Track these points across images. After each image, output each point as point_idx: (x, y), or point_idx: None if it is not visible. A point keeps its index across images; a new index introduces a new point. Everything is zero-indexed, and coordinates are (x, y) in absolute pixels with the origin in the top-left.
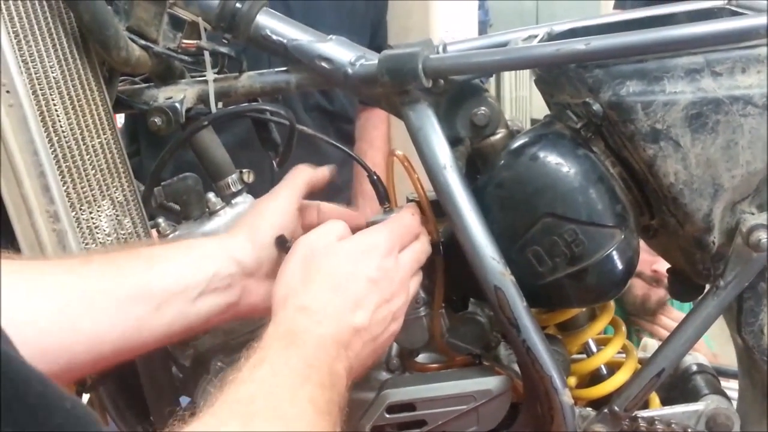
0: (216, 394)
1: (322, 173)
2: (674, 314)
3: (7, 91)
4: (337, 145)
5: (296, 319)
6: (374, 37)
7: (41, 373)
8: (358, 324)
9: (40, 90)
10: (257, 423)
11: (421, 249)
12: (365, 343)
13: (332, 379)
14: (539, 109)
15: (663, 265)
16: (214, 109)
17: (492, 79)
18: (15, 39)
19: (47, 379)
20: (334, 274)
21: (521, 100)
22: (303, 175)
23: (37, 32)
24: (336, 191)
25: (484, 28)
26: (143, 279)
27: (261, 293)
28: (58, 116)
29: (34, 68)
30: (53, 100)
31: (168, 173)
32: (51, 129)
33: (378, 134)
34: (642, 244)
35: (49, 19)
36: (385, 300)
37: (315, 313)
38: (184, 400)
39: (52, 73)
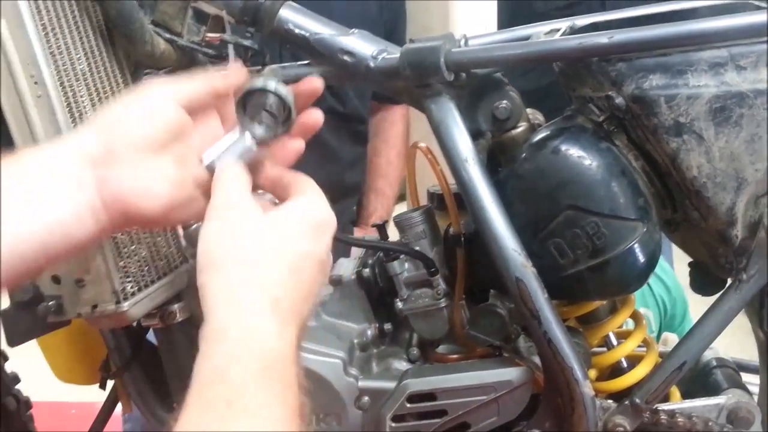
0: None
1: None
2: None
3: (35, 83)
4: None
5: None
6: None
7: None
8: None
9: (68, 81)
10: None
11: None
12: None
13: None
14: None
15: None
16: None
17: None
18: (43, 31)
19: None
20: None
21: None
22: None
23: (65, 25)
24: (346, 192)
25: None
26: None
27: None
28: (84, 107)
29: (61, 60)
30: (80, 91)
31: None
32: (78, 119)
33: (394, 132)
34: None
35: (76, 12)
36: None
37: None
38: None
39: (79, 65)
